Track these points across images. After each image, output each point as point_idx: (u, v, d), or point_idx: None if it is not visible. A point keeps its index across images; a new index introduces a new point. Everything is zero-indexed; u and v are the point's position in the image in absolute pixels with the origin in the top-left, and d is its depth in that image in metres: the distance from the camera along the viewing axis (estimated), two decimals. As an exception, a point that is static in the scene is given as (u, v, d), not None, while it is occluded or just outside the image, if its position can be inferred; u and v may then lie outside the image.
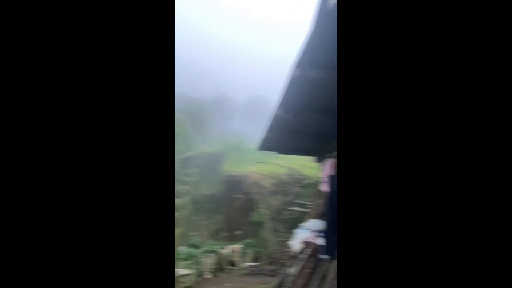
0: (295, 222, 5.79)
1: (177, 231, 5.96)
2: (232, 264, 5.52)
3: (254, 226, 6.42)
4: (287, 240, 5.29)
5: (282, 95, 2.58)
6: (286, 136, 3.82)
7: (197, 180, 8.14)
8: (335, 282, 3.15)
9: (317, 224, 3.88)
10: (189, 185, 7.63)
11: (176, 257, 5.01)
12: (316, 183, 5.57)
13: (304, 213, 5.68)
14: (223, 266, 5.39)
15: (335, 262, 3.18)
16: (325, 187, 3.43)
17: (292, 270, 3.74)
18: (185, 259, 4.60)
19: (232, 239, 6.35)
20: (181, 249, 5.14)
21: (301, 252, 3.83)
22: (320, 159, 4.25)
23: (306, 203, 5.99)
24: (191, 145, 9.76)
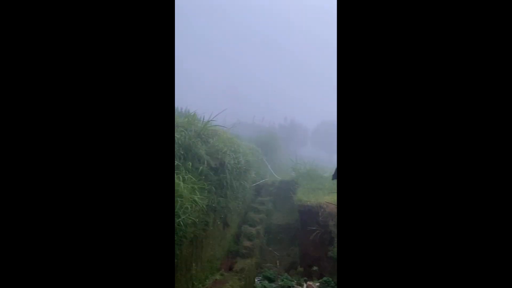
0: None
1: (251, 260, 5.92)
2: (310, 304, 5.06)
3: (333, 262, 5.85)
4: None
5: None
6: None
7: (270, 208, 8.10)
8: None
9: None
10: (262, 213, 7.64)
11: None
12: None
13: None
14: (300, 305, 4.99)
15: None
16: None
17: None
18: (261, 294, 4.44)
19: (308, 275, 5.90)
20: (256, 281, 5.03)
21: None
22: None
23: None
24: (263, 173, 9.94)
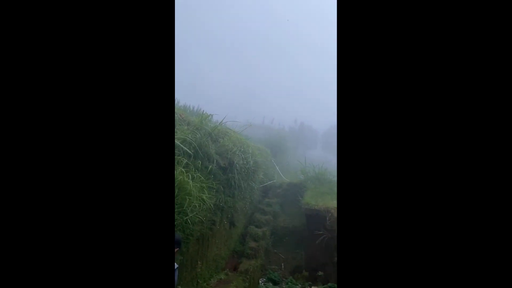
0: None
1: (256, 262, 5.91)
2: (314, 309, 5.01)
3: (338, 268, 5.77)
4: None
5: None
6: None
7: (277, 210, 8.07)
8: None
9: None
10: (269, 215, 7.62)
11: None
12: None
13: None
14: (304, 309, 4.94)
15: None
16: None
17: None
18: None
19: (312, 280, 5.85)
20: (260, 283, 5.01)
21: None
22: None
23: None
24: (271, 174, 9.91)
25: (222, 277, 4.88)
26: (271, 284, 5.02)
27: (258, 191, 8.16)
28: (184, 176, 3.67)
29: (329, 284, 5.44)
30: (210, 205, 4.26)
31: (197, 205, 3.73)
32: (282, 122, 18.60)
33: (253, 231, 6.65)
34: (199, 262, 4.34)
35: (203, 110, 6.26)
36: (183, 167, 3.85)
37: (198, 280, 4.33)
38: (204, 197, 4.02)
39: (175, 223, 3.22)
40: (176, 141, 3.99)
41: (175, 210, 3.31)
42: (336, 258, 5.71)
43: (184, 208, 3.47)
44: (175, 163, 3.73)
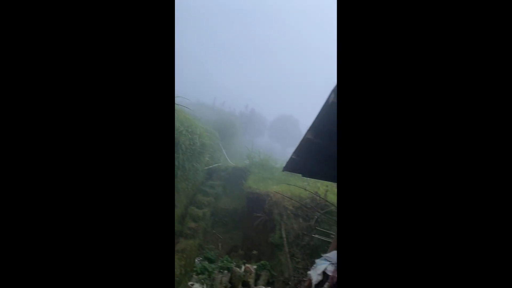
0: (314, 250, 5.52)
1: (194, 241, 5.98)
2: (245, 284, 5.36)
3: (272, 248, 6.23)
4: (304, 268, 5.04)
5: (315, 119, 2.56)
6: (313, 160, 3.74)
7: (219, 192, 8.19)
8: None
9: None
10: (211, 196, 7.70)
11: (191, 269, 4.99)
12: (341, 212, 5.30)
13: (325, 241, 5.41)
14: (236, 285, 5.25)
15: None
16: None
17: (308, 302, 3.53)
18: (199, 273, 4.55)
19: (247, 258, 6.20)
20: (196, 261, 5.12)
21: (318, 285, 3.61)
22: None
23: (328, 231, 5.72)
24: (217, 157, 9.93)
25: (157, 256, 4.82)
26: (207, 262, 5.17)
27: (203, 173, 8.12)
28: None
29: (262, 261, 5.85)
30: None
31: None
32: (233, 106, 18.55)
33: (193, 212, 6.66)
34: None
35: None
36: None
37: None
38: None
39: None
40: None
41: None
42: (270, 239, 6.14)
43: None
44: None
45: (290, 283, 5.21)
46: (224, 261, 5.31)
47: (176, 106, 5.78)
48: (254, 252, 6.44)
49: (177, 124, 5.35)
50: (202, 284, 4.33)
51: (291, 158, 4.02)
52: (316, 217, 6.05)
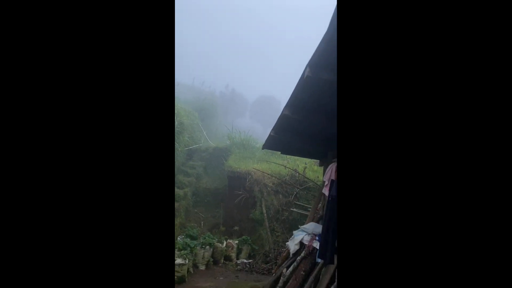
0: (293, 224, 5.79)
1: (176, 221, 6.03)
2: (227, 258, 5.56)
3: (253, 223, 6.44)
4: (284, 241, 5.30)
5: (291, 95, 2.59)
6: (291, 137, 3.83)
7: (200, 172, 8.20)
8: (329, 286, 3.15)
9: (315, 227, 3.88)
10: (192, 176, 7.70)
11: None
12: (318, 187, 5.56)
13: (303, 215, 5.68)
14: (218, 259, 5.44)
15: (329, 266, 3.18)
16: (326, 191, 3.43)
17: (286, 271, 3.75)
18: (181, 249, 4.65)
19: (229, 234, 6.39)
20: (178, 239, 5.20)
21: (296, 254, 3.84)
22: (324, 163, 4.24)
23: (306, 205, 5.98)
24: (198, 138, 9.83)
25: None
26: (189, 239, 5.27)
27: (183, 153, 8.05)
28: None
29: (243, 236, 6.05)
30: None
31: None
32: (213, 85, 18.12)
33: (175, 192, 6.66)
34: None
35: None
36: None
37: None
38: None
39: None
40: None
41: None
42: (251, 215, 6.34)
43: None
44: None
45: (270, 255, 5.48)
46: (206, 238, 5.44)
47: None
48: (236, 228, 6.63)
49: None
50: (185, 259, 4.44)
51: (270, 136, 4.08)
52: (295, 192, 6.28)
